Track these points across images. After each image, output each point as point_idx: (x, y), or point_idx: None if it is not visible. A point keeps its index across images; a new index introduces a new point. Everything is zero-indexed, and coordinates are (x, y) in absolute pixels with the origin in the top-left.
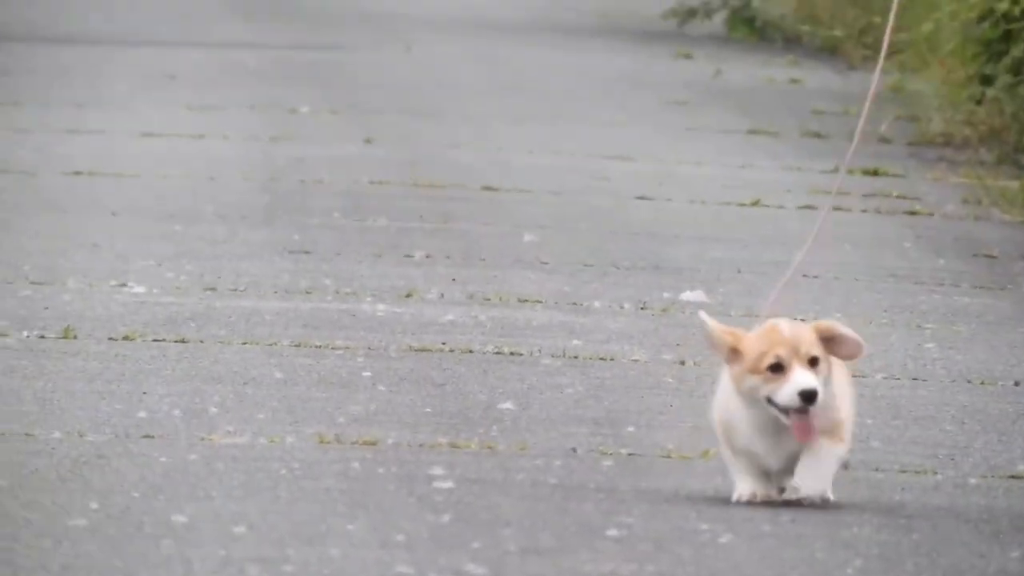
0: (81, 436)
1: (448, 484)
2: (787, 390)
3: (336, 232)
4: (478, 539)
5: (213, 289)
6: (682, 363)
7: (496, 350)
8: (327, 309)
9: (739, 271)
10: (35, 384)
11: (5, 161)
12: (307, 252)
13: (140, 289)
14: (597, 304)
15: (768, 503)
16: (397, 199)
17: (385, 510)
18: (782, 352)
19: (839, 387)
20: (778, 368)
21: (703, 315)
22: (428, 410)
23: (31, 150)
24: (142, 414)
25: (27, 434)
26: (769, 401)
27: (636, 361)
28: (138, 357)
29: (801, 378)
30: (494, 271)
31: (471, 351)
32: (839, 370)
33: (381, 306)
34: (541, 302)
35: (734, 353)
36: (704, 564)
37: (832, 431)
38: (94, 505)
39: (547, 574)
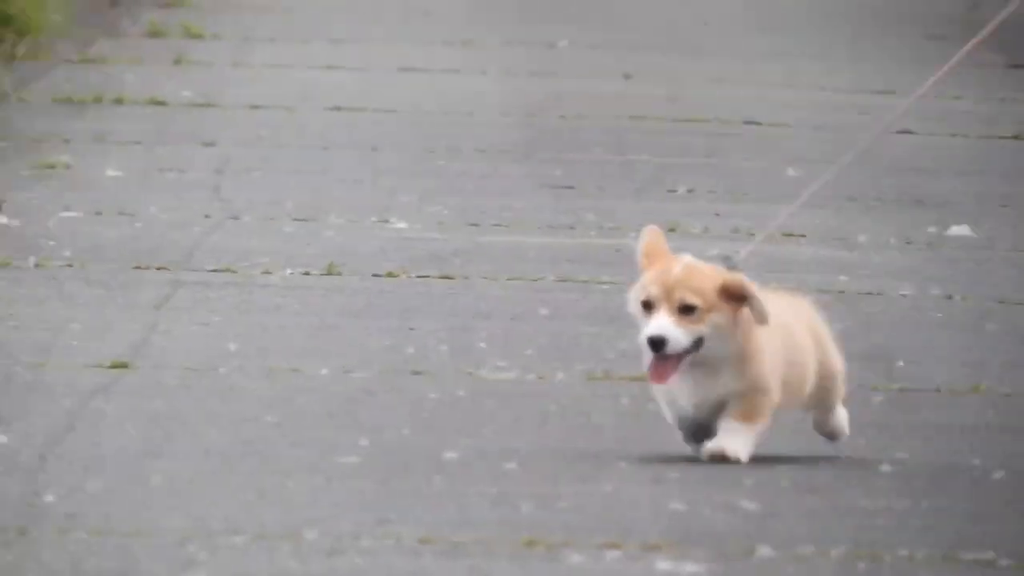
0: (348, 372)
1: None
2: (642, 332)
3: (598, 167)
4: (752, 475)
5: (476, 225)
6: (949, 297)
7: (761, 285)
8: (591, 245)
9: (1004, 205)
10: (301, 321)
11: (266, 97)
12: (570, 187)
13: (403, 225)
14: (862, 239)
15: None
16: (659, 134)
17: (656, 445)
18: (654, 291)
19: (768, 351)
20: (648, 306)
21: (650, 228)
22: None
23: (291, 86)
24: (410, 350)
25: (295, 370)
26: None
27: (904, 296)
28: (403, 293)
29: (654, 324)
30: (757, 205)
31: None
32: (774, 334)
33: None
34: (806, 236)
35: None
36: (979, 499)
37: (751, 407)
38: (364, 442)
39: (821, 509)
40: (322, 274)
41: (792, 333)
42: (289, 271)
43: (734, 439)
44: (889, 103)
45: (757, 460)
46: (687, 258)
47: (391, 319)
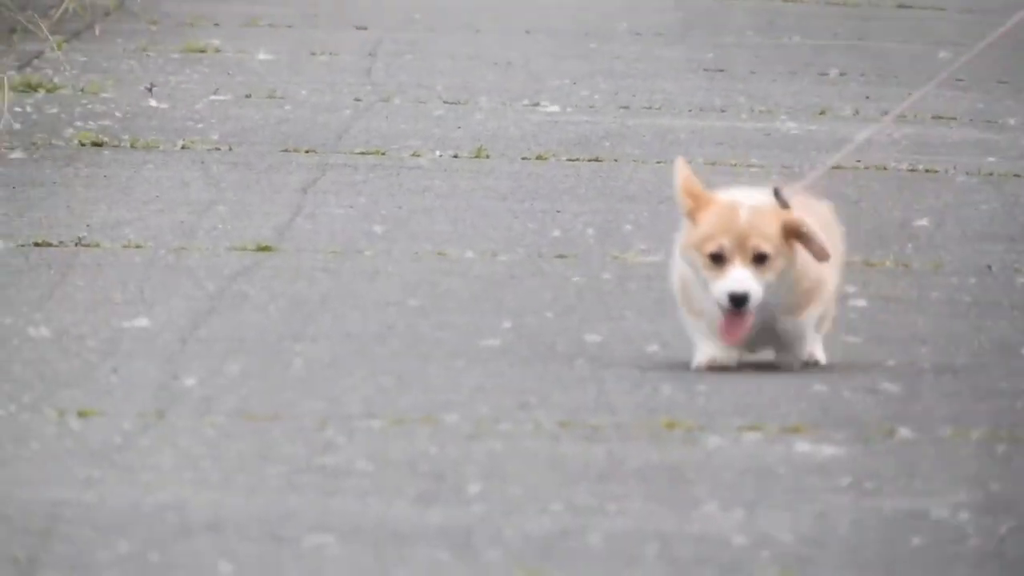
0: (494, 256)
1: (862, 303)
2: (719, 287)
3: (750, 50)
4: (893, 357)
5: (627, 108)
6: None
7: (911, 167)
8: (741, 128)
9: None
10: (448, 203)
11: None
12: (721, 70)
13: (554, 108)
14: (1012, 121)
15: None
16: (812, 17)
17: None
18: (726, 242)
19: (826, 279)
20: (718, 258)
21: (679, 162)
22: (843, 228)
23: None
24: (556, 233)
25: (440, 253)
26: (705, 286)
27: None
28: (551, 176)
29: (734, 279)
30: (908, 88)
31: (885, 168)
32: (831, 229)
33: (794, 124)
34: (955, 119)
35: (689, 217)
36: None
37: (806, 299)
38: (507, 325)
39: (961, 391)
40: (471, 157)
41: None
42: (438, 153)
43: (817, 346)
44: None
45: (897, 343)
46: (740, 197)
47: (538, 202)
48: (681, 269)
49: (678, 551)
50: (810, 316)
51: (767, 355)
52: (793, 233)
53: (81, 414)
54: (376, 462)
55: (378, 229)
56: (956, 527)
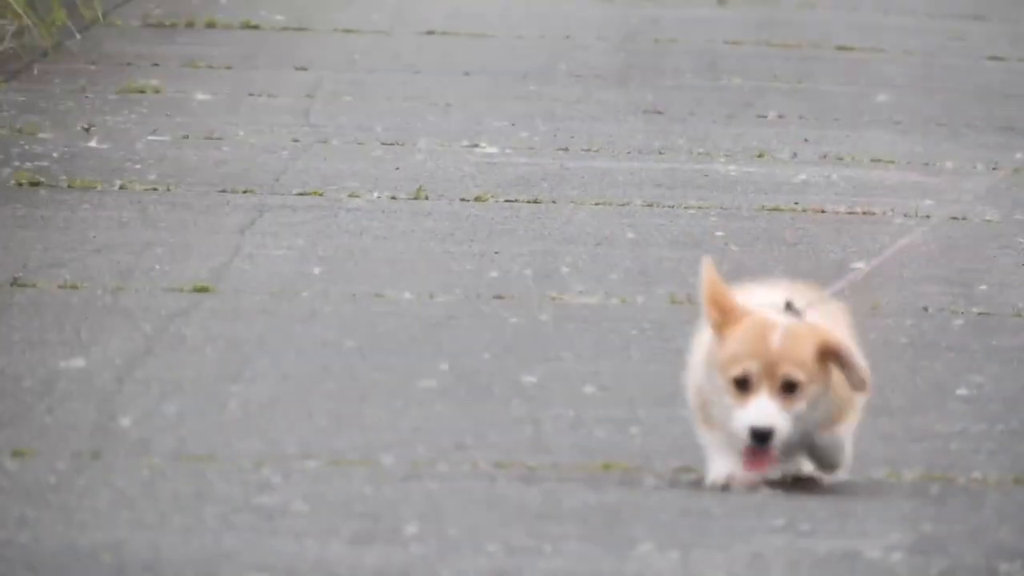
0: (432, 297)
1: None
2: (740, 418)
3: (690, 92)
4: None
5: (566, 149)
6: None
7: (849, 210)
8: (680, 169)
9: None
10: (385, 245)
11: (359, 21)
12: (660, 112)
13: (492, 149)
14: (950, 164)
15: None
16: (751, 59)
17: None
18: (752, 367)
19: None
20: (743, 384)
21: (706, 265)
22: (780, 268)
23: (385, 11)
24: (493, 274)
25: (377, 295)
26: (728, 411)
27: (988, 221)
28: (490, 217)
29: (757, 412)
30: (847, 131)
31: (823, 211)
32: (846, 319)
33: (733, 166)
34: (894, 162)
35: (716, 332)
36: None
37: (840, 415)
38: (444, 366)
39: (896, 433)
40: (409, 198)
41: None
42: (376, 195)
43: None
44: (981, 29)
45: None
46: (773, 316)
47: (476, 243)
48: (698, 377)
49: None
50: (848, 428)
51: (805, 467)
52: (830, 356)
53: (16, 454)
54: (312, 502)
55: (316, 270)
56: (889, 568)
